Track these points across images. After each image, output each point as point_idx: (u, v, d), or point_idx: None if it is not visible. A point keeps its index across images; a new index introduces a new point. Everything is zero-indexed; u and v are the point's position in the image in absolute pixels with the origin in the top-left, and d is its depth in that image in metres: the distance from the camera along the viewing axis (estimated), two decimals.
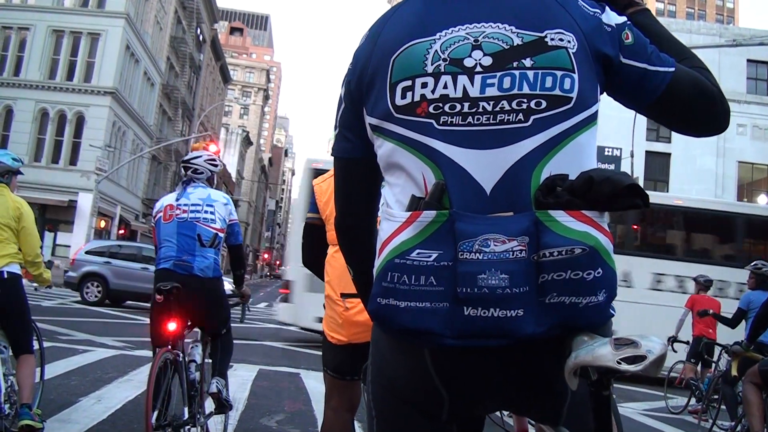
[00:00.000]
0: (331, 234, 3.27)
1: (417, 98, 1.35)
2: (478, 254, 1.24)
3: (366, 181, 1.52)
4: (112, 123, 35.91)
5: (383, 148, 1.42)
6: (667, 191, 36.05)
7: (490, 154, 1.31)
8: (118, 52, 35.57)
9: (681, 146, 35.76)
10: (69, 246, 33.47)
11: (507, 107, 1.31)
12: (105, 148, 32.57)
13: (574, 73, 1.34)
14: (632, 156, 26.45)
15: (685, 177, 35.42)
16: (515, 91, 1.31)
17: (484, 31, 1.35)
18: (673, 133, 35.60)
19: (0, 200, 4.56)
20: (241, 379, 8.37)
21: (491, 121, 1.31)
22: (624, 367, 1.17)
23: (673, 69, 1.43)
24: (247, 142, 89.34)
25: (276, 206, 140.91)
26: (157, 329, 4.48)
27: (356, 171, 1.53)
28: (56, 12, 36.05)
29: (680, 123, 1.52)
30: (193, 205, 4.74)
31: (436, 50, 1.35)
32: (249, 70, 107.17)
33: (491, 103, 1.32)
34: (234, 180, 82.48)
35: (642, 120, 28.47)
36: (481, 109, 1.32)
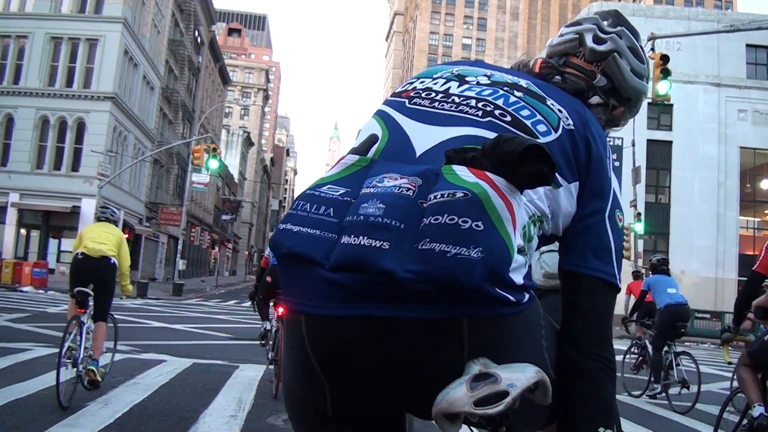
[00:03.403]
0: None
1: (410, 87, 1.51)
2: (371, 189, 1.24)
3: None
4: (113, 128, 35.94)
5: None
6: (670, 179, 36.03)
7: (435, 129, 1.37)
8: (117, 57, 35.59)
9: (682, 134, 35.72)
10: None
11: (473, 104, 1.40)
12: (106, 153, 32.60)
13: (555, 132, 1.38)
14: (634, 145, 26.39)
15: (688, 164, 35.36)
16: (488, 98, 1.41)
17: (504, 76, 1.51)
18: (674, 120, 35.76)
19: (115, 231, 7.24)
20: (247, 379, 8.39)
21: (452, 109, 1.40)
22: (481, 411, 1.02)
23: (594, 275, 1.40)
24: (248, 142, 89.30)
25: (279, 206, 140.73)
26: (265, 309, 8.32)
27: None
28: (54, 19, 36.05)
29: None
30: None
31: (452, 70, 1.54)
32: (248, 70, 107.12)
33: (461, 98, 1.43)
34: (236, 181, 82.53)
35: (642, 108, 28.34)
36: (450, 100, 1.43)
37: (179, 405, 6.61)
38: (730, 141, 35.79)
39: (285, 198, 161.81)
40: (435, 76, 1.52)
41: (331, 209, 1.25)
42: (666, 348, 9.35)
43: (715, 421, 5.59)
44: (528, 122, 1.37)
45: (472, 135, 1.33)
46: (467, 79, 1.48)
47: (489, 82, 1.46)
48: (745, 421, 4.95)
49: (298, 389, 1.33)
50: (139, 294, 27.86)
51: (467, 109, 1.39)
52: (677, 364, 9.07)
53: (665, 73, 17.36)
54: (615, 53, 1.63)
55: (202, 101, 57.90)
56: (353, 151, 1.38)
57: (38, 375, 7.43)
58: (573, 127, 1.41)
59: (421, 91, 1.47)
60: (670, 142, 36.08)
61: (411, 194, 1.20)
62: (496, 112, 1.37)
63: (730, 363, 6.94)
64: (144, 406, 6.41)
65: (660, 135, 35.93)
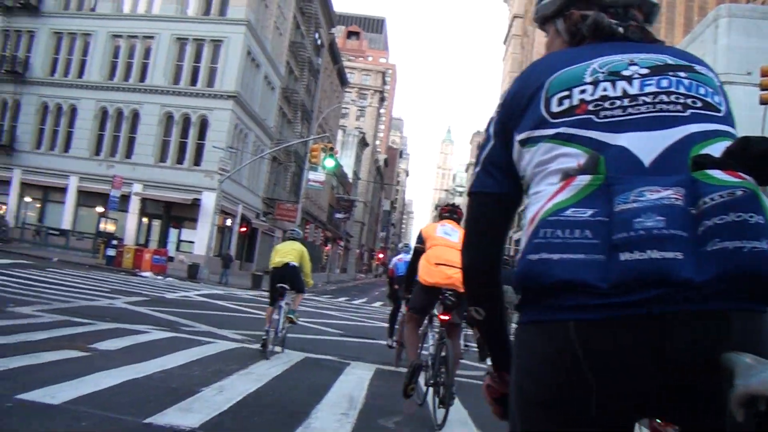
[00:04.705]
0: (423, 263, 6.65)
1: (576, 102, 1.40)
2: (633, 203, 1.22)
3: (501, 218, 1.55)
4: (234, 125, 37.12)
5: (534, 152, 1.43)
6: None
7: (650, 135, 1.32)
8: (240, 57, 36.79)
9: None
10: (193, 242, 34.90)
11: (666, 99, 1.36)
12: (227, 149, 33.63)
13: (720, 96, 1.43)
14: None
15: None
16: (673, 89, 1.38)
17: (639, 55, 1.45)
18: None
19: (298, 246, 10.57)
20: (358, 377, 8.27)
21: (651, 110, 1.35)
22: None
23: None
24: (363, 143, 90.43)
25: (391, 206, 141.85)
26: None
27: (494, 206, 1.54)
28: (180, 21, 37.72)
29: None
30: None
31: (594, 68, 1.43)
32: (365, 72, 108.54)
33: (650, 96, 1.37)
34: (350, 181, 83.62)
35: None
36: (640, 102, 1.37)
37: (292, 398, 6.55)
38: None
39: (396, 199, 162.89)
40: (587, 81, 1.42)
41: (588, 231, 1.25)
42: None
43: None
44: (709, 99, 1.39)
45: (692, 132, 1.33)
46: (624, 73, 1.41)
47: (649, 70, 1.41)
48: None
49: (549, 393, 1.31)
50: (254, 285, 28.53)
51: (665, 106, 1.36)
52: None
53: None
54: None
55: (320, 102, 59.01)
56: (579, 172, 1.32)
57: (155, 357, 7.56)
58: (717, 83, 1.46)
59: (601, 102, 1.38)
60: None
61: (681, 204, 1.21)
62: (688, 101, 1.37)
63: None
64: (258, 396, 6.36)
65: None
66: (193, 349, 8.65)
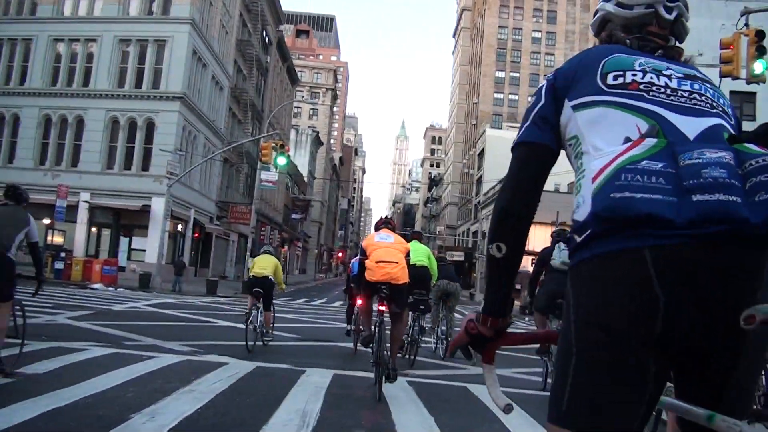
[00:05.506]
0: (368, 263, 8.11)
1: (629, 80, 1.71)
2: (697, 159, 1.48)
3: (541, 169, 1.76)
4: (182, 127, 36.12)
5: (588, 114, 1.69)
6: None
7: (689, 119, 1.63)
8: (185, 57, 35.79)
9: None
10: (144, 250, 33.80)
11: (698, 98, 1.69)
12: (175, 152, 32.60)
13: (729, 106, 1.77)
14: None
15: None
16: (702, 92, 1.71)
17: (672, 65, 1.78)
18: (758, 110, 33.65)
19: (272, 260, 12.28)
20: (313, 387, 7.63)
21: (688, 102, 1.67)
22: None
23: None
24: (317, 142, 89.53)
25: (348, 205, 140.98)
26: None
27: (537, 155, 1.77)
28: (122, 22, 36.54)
29: None
30: None
31: (641, 61, 1.76)
32: (316, 71, 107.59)
33: (686, 93, 1.70)
34: (306, 180, 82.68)
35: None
36: (679, 94, 1.69)
37: (235, 418, 5.87)
38: None
39: (354, 197, 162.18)
40: (637, 69, 1.72)
41: (661, 179, 1.48)
42: None
43: None
44: (725, 107, 1.74)
45: (717, 124, 1.64)
46: (665, 72, 1.72)
47: (683, 75, 1.74)
48: None
49: (614, 318, 1.49)
50: (209, 292, 27.67)
51: (698, 103, 1.67)
52: None
53: (761, 51, 15.88)
54: (682, 18, 1.92)
55: (271, 101, 58.01)
56: (645, 136, 1.57)
57: (88, 379, 6.84)
58: (729, 108, 1.77)
59: (649, 85, 1.69)
60: None
61: (733, 162, 1.48)
62: (713, 103, 1.70)
63: None
64: (195, 419, 5.65)
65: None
66: (133, 367, 7.92)
